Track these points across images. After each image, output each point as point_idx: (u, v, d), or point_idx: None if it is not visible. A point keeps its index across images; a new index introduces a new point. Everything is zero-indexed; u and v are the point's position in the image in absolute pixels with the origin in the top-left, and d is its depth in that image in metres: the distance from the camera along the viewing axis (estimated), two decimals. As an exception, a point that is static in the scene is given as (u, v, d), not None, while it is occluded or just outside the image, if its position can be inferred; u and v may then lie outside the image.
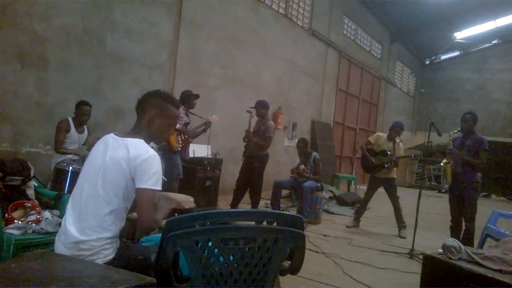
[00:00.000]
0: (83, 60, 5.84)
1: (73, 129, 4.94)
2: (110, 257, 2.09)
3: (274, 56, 10.26)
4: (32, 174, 3.88)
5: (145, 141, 2.19)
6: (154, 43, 6.94)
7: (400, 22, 16.87)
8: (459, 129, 5.39)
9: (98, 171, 2.11)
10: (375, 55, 17.07)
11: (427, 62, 23.08)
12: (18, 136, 5.20)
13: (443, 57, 22.53)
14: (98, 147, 2.23)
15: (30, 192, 3.78)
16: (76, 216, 2.10)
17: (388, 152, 6.44)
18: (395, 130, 6.58)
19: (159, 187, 2.10)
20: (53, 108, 5.50)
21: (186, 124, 5.83)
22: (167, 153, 5.69)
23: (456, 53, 22.01)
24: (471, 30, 19.08)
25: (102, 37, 6.07)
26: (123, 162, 2.07)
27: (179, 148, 5.76)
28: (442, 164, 5.55)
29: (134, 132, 2.24)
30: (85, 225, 2.05)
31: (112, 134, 2.23)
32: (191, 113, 6.04)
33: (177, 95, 6.26)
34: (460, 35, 19.33)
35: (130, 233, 2.87)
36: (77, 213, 2.10)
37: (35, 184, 3.97)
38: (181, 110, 5.79)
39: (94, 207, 2.07)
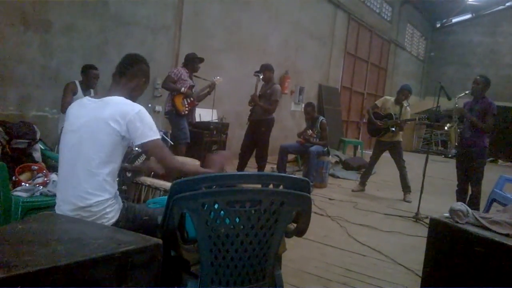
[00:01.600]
0: (87, 22, 5.73)
1: (80, 91, 4.93)
2: (114, 219, 2.09)
3: (281, 19, 10.01)
4: (38, 137, 3.89)
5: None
6: (159, 5, 6.78)
7: (412, -17, 16.39)
8: (467, 92, 5.30)
9: (84, 134, 2.06)
10: (385, 17, 16.65)
11: (438, 25, 22.50)
12: (24, 100, 5.18)
13: (454, 20, 21.93)
14: (75, 110, 2.17)
15: (37, 155, 3.81)
16: (70, 183, 2.06)
17: (394, 115, 6.36)
18: (403, 93, 6.46)
19: (159, 136, 2.15)
20: (58, 71, 5.45)
21: (191, 87, 5.77)
22: (173, 117, 5.68)
23: (468, 16, 21.41)
24: (484, -9, 18.52)
25: (105, -2, 5.94)
26: (111, 121, 2.03)
27: (186, 112, 5.74)
28: (446, 128, 5.51)
29: (113, 93, 2.19)
30: (81, 189, 2.02)
31: (87, 97, 2.21)
32: (195, 76, 5.97)
33: (182, 58, 6.18)
34: (473, -4, 18.77)
35: (135, 197, 2.89)
36: (70, 180, 2.06)
37: (42, 147, 3.99)
38: (185, 73, 5.74)
39: (87, 171, 2.03)
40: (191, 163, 3.57)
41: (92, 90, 5.07)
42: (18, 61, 5.07)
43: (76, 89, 4.90)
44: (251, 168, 6.76)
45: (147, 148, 2.14)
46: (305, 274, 3.29)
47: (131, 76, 2.28)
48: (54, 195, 2.95)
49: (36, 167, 3.32)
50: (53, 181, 3.15)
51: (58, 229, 1.72)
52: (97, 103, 2.12)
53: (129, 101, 2.13)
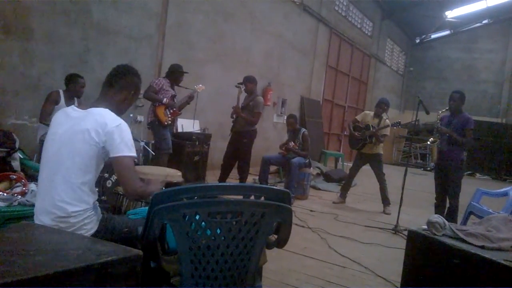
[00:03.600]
0: (69, 31, 5.69)
1: (62, 101, 4.82)
2: (93, 230, 2.08)
3: (264, 31, 10.12)
4: (17, 146, 3.83)
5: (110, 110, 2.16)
6: (142, 14, 6.79)
7: (392, -1, 16.78)
8: (447, 108, 5.43)
9: (64, 143, 2.05)
10: (366, 32, 16.96)
11: (417, 41, 23.06)
12: (2, 108, 5.10)
13: (433, 36, 22.52)
14: (59, 119, 2.17)
15: (16, 164, 3.74)
16: (48, 192, 2.05)
17: (372, 127, 6.47)
18: (380, 106, 6.59)
19: (134, 154, 2.11)
20: (39, 79, 5.39)
21: (173, 96, 5.76)
22: (156, 127, 5.65)
23: (447, 32, 22.02)
24: (462, 9, 19.05)
25: (88, 7, 5.91)
26: (92, 131, 2.02)
27: (169, 122, 5.72)
28: (429, 142, 5.61)
29: (100, 104, 2.18)
30: (58, 199, 2.01)
31: (72, 106, 2.21)
32: (176, 85, 5.95)
33: (165, 69, 6.17)
34: (451, 14, 19.28)
35: (116, 207, 2.86)
36: (49, 189, 2.05)
37: (21, 156, 3.93)
38: (166, 83, 5.72)
39: (65, 181, 2.02)
40: (173, 173, 3.56)
41: (76, 100, 4.98)
42: (-2, 69, 5.01)
43: (59, 99, 4.80)
44: (233, 179, 6.76)
45: (116, 163, 2.06)
46: (286, 286, 3.29)
47: (119, 88, 2.25)
48: (33, 205, 2.89)
49: (14, 176, 3.26)
50: (32, 190, 3.10)
51: (37, 239, 1.70)
52: (81, 113, 2.12)
53: (112, 114, 2.12)
